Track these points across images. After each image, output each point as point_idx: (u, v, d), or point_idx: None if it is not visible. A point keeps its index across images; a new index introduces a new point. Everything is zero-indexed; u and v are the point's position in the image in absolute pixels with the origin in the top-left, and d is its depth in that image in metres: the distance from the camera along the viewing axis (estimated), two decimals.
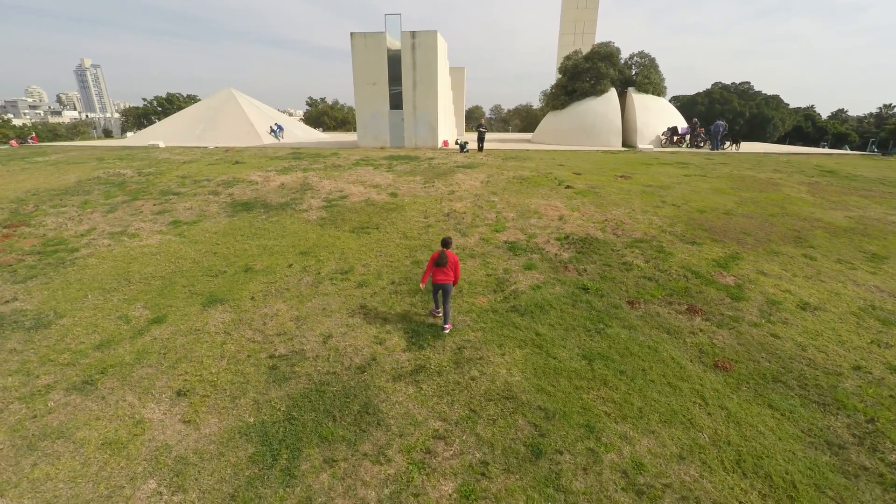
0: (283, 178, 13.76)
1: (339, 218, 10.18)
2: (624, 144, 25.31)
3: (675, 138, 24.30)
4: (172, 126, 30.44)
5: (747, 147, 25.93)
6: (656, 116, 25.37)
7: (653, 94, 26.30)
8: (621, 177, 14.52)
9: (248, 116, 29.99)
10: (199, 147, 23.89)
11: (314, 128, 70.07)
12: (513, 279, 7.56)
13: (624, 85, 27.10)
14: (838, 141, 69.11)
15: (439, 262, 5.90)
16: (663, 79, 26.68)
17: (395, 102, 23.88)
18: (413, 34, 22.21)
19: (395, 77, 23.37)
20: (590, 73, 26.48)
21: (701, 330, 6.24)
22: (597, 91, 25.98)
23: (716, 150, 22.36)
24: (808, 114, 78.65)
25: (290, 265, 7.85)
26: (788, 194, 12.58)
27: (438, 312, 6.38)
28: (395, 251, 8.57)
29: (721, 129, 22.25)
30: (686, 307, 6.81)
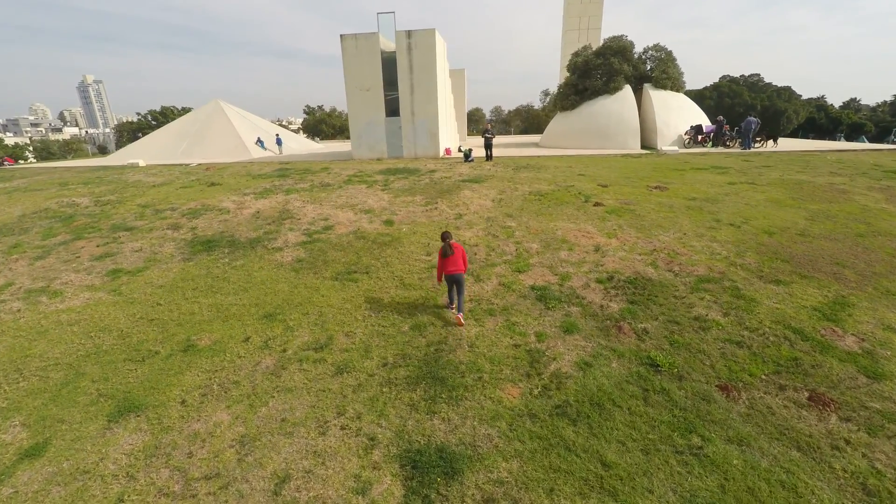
0: (260, 204, 11.77)
1: (319, 259, 8.15)
2: (643, 146, 23.18)
3: (700, 138, 22.13)
4: (156, 142, 28.66)
5: (786, 145, 23.71)
6: (677, 114, 23.22)
7: (671, 89, 24.17)
8: (656, 188, 12.41)
9: (237, 129, 28.15)
10: (181, 165, 22.03)
11: (313, 136, 68.51)
12: (550, 351, 5.48)
13: (639, 81, 25.00)
14: (853, 131, 66.50)
15: (446, 254, 6.00)
16: (681, 73, 24.56)
17: (392, 109, 21.92)
18: (409, 34, 20.26)
19: (390, 81, 21.41)
20: (601, 70, 24.40)
21: (847, 441, 4.13)
22: (610, 89, 23.88)
23: (748, 150, 20.18)
24: (820, 104, 76.12)
25: (248, 339, 5.81)
26: (865, 205, 10.41)
27: (453, 308, 6.28)
28: (390, 308, 6.52)
29: (753, 126, 20.08)
30: (807, 395, 4.70)
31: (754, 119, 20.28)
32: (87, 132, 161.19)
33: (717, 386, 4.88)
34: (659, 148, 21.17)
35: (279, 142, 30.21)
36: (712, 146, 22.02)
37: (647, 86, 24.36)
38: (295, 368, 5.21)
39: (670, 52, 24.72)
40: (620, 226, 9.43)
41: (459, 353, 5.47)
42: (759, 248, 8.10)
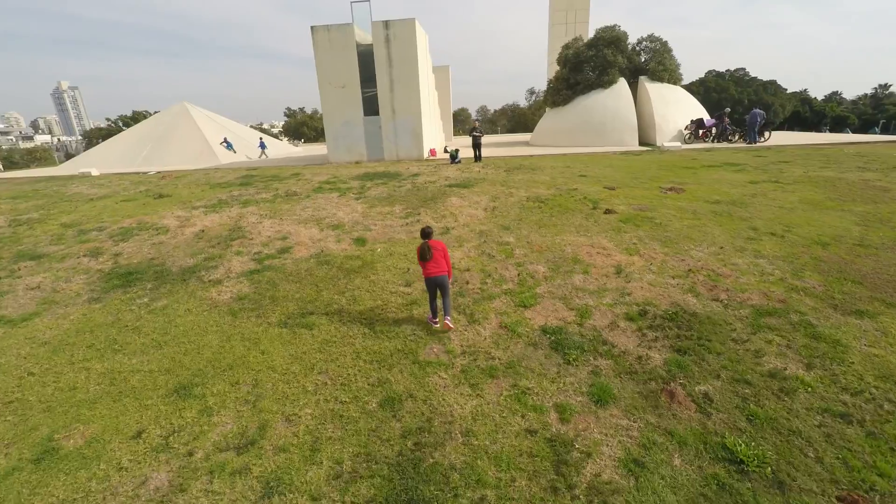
0: (209, 220, 9.87)
1: (267, 296, 6.33)
2: (640, 143, 21.75)
3: (701, 132, 20.79)
4: (116, 149, 26.35)
5: (779, 139, 22.48)
6: (676, 108, 21.86)
7: (668, 82, 22.84)
8: (670, 190, 10.85)
9: (203, 133, 26.00)
10: (137, 173, 19.91)
11: (295, 140, 66.17)
12: (581, 440, 3.78)
13: (633, 74, 23.61)
14: (837, 124, 66.78)
15: (424, 256, 5.14)
16: (678, 65, 23.23)
17: (371, 107, 20.11)
18: (386, 24, 18.48)
19: (368, 77, 19.60)
20: (594, 62, 22.94)
21: None
22: (604, 82, 22.44)
23: (754, 144, 18.86)
24: (804, 98, 76.58)
25: (140, 433, 3.99)
26: None
27: (436, 322, 5.40)
28: (354, 370, 4.76)
29: (759, 119, 18.77)
30: None
31: (760, 111, 18.99)
32: (59, 139, 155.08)
33: (838, 499, 3.24)
34: (660, 144, 19.74)
35: (262, 146, 28.40)
36: (714, 141, 20.69)
37: (642, 78, 22.98)
38: (199, 491, 3.41)
39: (665, 42, 23.39)
40: (641, 239, 7.80)
41: (450, 448, 3.74)
42: (818, 266, 6.53)
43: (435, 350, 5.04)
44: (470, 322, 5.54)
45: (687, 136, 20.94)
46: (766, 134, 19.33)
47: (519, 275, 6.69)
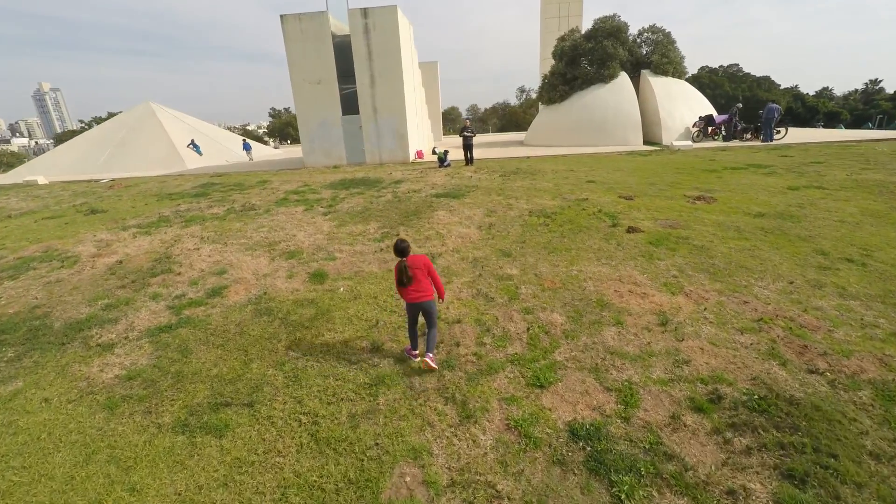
0: (135, 246, 7.91)
1: (170, 372, 4.43)
2: (644, 141, 20.11)
3: (711, 130, 19.20)
4: (72, 153, 24.05)
5: (794, 136, 21.00)
6: (683, 104, 20.26)
7: (672, 75, 21.21)
8: (698, 199, 9.12)
9: (170, 136, 23.81)
10: (89, 181, 17.78)
11: (284, 140, 63.86)
12: None
13: (635, 68, 21.96)
14: (830, 120, 66.29)
15: (401, 282, 4.06)
16: (683, 57, 21.62)
17: (350, 106, 18.17)
18: (365, 12, 16.55)
19: (346, 72, 17.67)
20: (593, 55, 21.24)
21: None
22: (604, 76, 20.76)
23: (769, 142, 17.29)
24: (797, 94, 76.27)
25: None
26: None
27: (416, 355, 4.31)
28: None
29: (775, 114, 17.19)
30: None
31: (776, 106, 17.41)
32: (36, 143, 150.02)
33: None
34: (670, 143, 18.08)
35: (247, 147, 26.60)
36: (724, 139, 19.10)
37: (645, 72, 21.34)
38: None
39: (669, 33, 21.77)
40: (681, 269, 6.03)
41: None
42: None
43: (407, 479, 3.20)
44: (461, 419, 3.71)
45: (695, 134, 19.33)
46: (783, 130, 17.79)
47: (528, 329, 4.87)
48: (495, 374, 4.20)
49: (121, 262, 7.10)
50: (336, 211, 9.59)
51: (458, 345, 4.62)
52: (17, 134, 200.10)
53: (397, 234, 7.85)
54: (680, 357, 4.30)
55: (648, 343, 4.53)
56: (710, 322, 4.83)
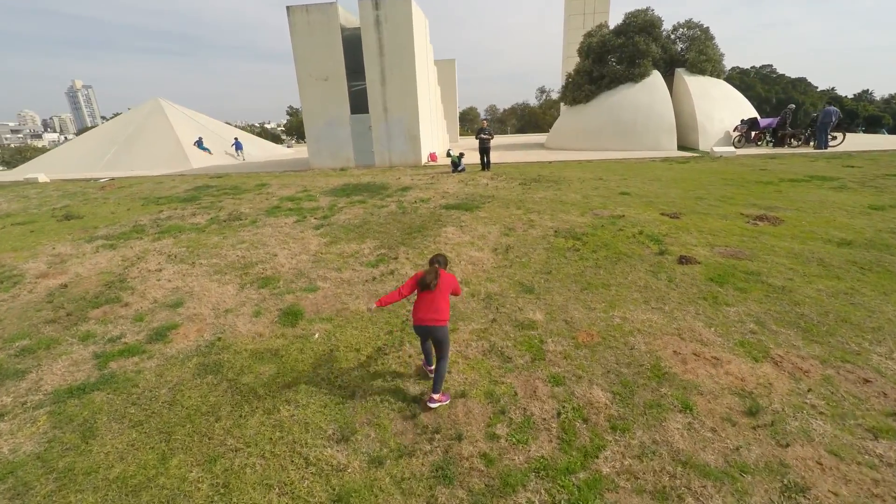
0: (91, 263, 6.83)
1: (55, 469, 3.23)
2: (679, 146, 18.39)
3: (754, 134, 17.36)
4: (78, 151, 23.58)
5: (847, 143, 18.94)
6: (722, 106, 18.47)
7: (710, 74, 19.42)
8: (759, 219, 7.57)
9: (177, 133, 23.10)
10: (89, 180, 17.07)
11: (300, 139, 63.56)
12: None
13: (668, 66, 20.23)
14: (871, 124, 62.57)
15: (424, 285, 3.46)
16: (722, 55, 19.79)
17: (359, 104, 17.01)
18: (376, 3, 15.36)
19: (356, 68, 16.52)
20: (623, 52, 19.61)
21: None
22: (635, 75, 19.10)
23: (824, 149, 15.42)
24: (834, 96, 72.42)
25: None
26: None
27: (432, 369, 3.84)
28: None
29: (833, 118, 15.30)
30: None
31: (834, 109, 15.50)
32: (65, 138, 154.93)
33: None
34: (709, 149, 16.33)
35: (238, 146, 25.30)
36: (772, 145, 17.24)
37: (679, 71, 19.59)
38: None
39: (707, 28, 19.96)
40: (760, 321, 4.57)
41: None
42: None
43: None
44: None
45: (736, 139, 17.51)
46: (839, 136, 15.86)
47: (560, 413, 3.50)
48: (513, 496, 2.84)
49: (65, 285, 5.99)
50: (330, 224, 8.36)
51: (459, 438, 3.28)
52: (49, 129, 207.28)
53: (395, 258, 6.56)
54: (789, 479, 2.86)
55: (737, 449, 3.11)
56: (822, 413, 3.38)
